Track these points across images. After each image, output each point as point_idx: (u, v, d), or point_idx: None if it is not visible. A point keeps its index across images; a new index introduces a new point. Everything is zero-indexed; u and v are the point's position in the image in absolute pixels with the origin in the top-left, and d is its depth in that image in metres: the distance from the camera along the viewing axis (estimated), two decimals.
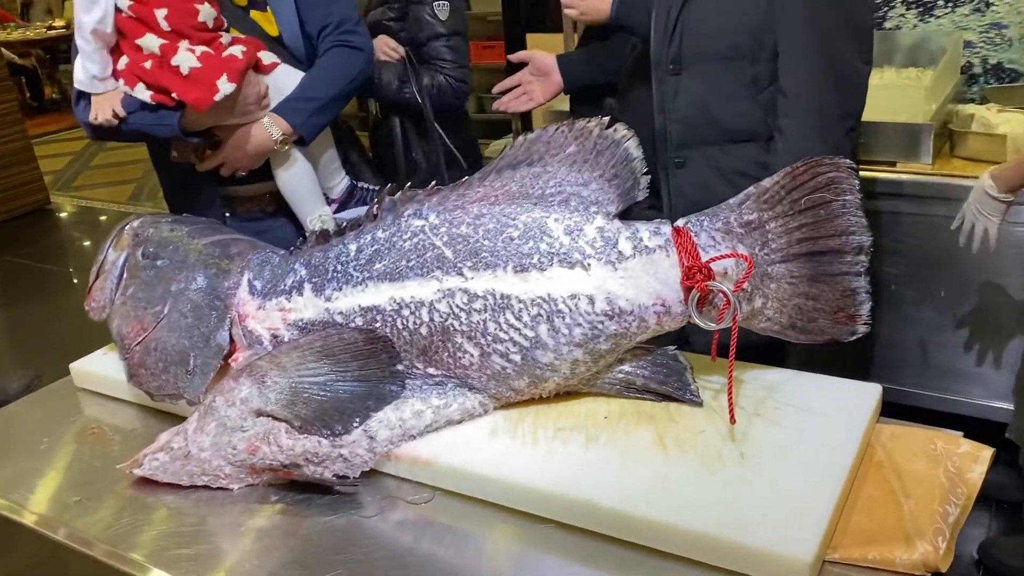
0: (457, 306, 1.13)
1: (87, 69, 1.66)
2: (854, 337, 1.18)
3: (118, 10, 1.64)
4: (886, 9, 2.70)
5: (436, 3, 2.20)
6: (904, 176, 2.25)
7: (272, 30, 1.79)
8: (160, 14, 1.63)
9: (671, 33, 1.58)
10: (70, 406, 1.37)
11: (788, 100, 1.53)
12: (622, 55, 1.86)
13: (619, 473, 1.02)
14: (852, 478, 1.02)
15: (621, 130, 1.15)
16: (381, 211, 1.21)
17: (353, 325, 1.18)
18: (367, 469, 1.11)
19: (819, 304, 1.16)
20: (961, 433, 1.11)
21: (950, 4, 2.61)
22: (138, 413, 1.33)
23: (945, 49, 2.46)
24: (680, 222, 1.16)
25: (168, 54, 1.62)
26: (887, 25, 2.71)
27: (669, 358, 1.19)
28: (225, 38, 1.69)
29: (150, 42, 1.64)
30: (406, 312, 1.15)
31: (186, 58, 1.61)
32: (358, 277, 1.19)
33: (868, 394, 1.16)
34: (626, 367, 1.18)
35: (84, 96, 1.70)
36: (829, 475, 1.00)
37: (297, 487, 1.11)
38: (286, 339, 1.22)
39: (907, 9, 2.68)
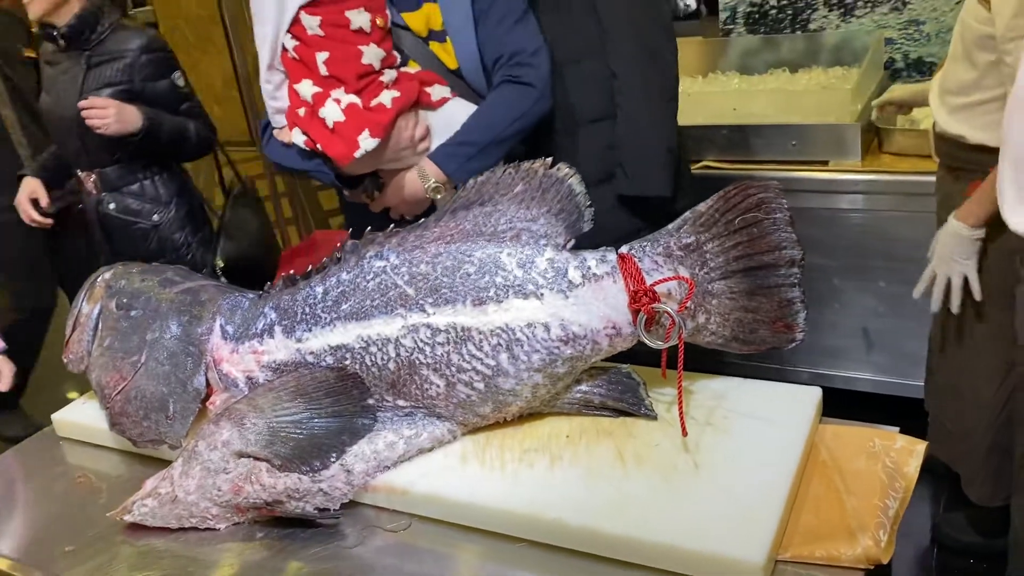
0: (421, 340, 1.20)
1: (268, 102, 1.69)
2: (793, 344, 1.27)
3: (285, 49, 1.62)
4: (809, 12, 2.83)
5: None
6: (836, 175, 2.38)
7: (451, 62, 1.69)
8: (320, 58, 1.60)
9: None
10: (54, 456, 1.42)
11: (620, 81, 1.83)
12: None
13: (583, 491, 1.10)
14: (799, 479, 1.11)
15: (564, 169, 1.23)
16: (344, 254, 1.28)
17: (324, 364, 1.24)
18: (346, 501, 1.18)
19: (759, 316, 1.25)
20: (897, 429, 1.21)
21: (869, 4, 2.74)
22: (122, 459, 1.38)
23: (868, 47, 2.59)
24: (624, 249, 1.24)
25: (317, 104, 1.60)
26: (812, 27, 2.84)
27: (623, 376, 1.27)
28: (388, 76, 1.64)
29: (305, 89, 1.62)
30: (373, 349, 1.22)
31: (332, 111, 1.59)
32: (326, 318, 1.25)
33: (809, 397, 1.25)
34: (584, 387, 1.26)
35: (269, 127, 1.71)
36: (777, 478, 1.08)
37: (281, 523, 1.18)
38: (261, 381, 1.28)
39: (829, 11, 2.80)
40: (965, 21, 1.78)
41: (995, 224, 1.76)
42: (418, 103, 1.65)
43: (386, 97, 1.61)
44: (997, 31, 1.66)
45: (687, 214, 1.24)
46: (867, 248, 2.40)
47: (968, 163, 1.85)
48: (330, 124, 1.59)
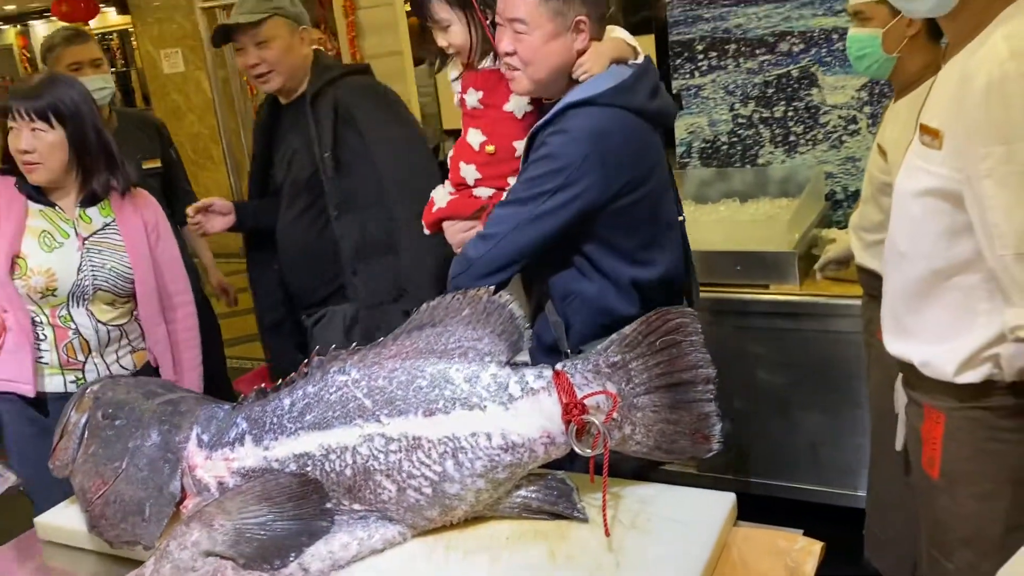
0: (376, 448, 1.34)
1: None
2: (710, 454, 1.42)
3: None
4: (757, 148, 3.09)
5: None
6: (777, 297, 2.57)
7: None
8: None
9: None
10: (35, 558, 1.53)
11: (400, 222, 2.35)
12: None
13: None
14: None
15: (505, 295, 1.40)
16: (311, 369, 1.43)
17: (288, 470, 1.38)
18: None
19: (679, 428, 1.40)
20: (801, 531, 1.34)
21: (811, 142, 3.00)
22: (99, 560, 1.49)
23: (808, 180, 2.83)
24: (559, 366, 1.40)
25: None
26: (760, 161, 3.09)
27: (558, 482, 1.41)
28: (478, 191, 1.89)
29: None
30: (333, 456, 1.36)
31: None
32: (291, 428, 1.39)
33: (724, 502, 1.39)
34: (523, 492, 1.40)
35: None
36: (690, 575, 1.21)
37: None
38: (231, 485, 1.41)
39: (775, 147, 3.06)
40: (870, 169, 2.00)
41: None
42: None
43: (440, 199, 1.94)
44: (893, 180, 1.87)
45: (614, 336, 1.41)
46: (805, 364, 2.57)
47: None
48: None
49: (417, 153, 2.44)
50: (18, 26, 12.00)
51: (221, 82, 5.68)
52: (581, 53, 1.71)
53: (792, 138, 3.02)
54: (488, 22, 1.80)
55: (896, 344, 1.54)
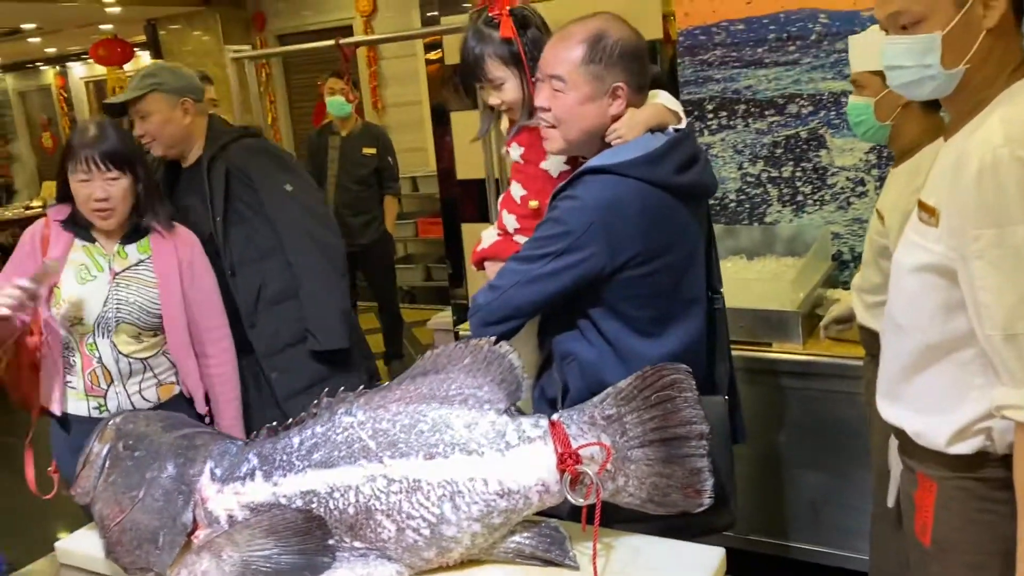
0: (378, 488, 1.41)
1: None
2: (701, 509, 1.46)
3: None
4: (765, 206, 3.16)
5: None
6: (779, 355, 2.62)
7: None
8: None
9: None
10: None
11: (298, 268, 2.54)
12: None
13: None
14: None
15: (505, 346, 1.48)
16: (320, 410, 1.51)
17: (294, 506, 1.44)
18: None
19: (671, 481, 1.45)
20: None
21: (818, 202, 3.07)
22: None
23: (815, 240, 2.89)
24: (555, 416, 1.46)
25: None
26: (768, 220, 3.16)
27: (552, 530, 1.47)
28: (518, 237, 1.97)
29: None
30: (337, 494, 1.42)
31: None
32: (300, 465, 1.46)
33: (713, 556, 1.44)
34: (517, 538, 1.45)
35: None
36: None
37: None
38: (240, 519, 1.48)
39: (783, 206, 3.13)
40: (869, 233, 2.06)
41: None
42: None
43: (487, 240, 2.02)
44: (890, 244, 1.93)
45: (609, 389, 1.47)
46: (807, 423, 2.61)
47: None
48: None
49: (311, 197, 2.63)
50: (57, 67, 12.36)
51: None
52: (616, 118, 1.73)
53: (800, 198, 3.10)
54: (533, 79, 1.84)
55: (890, 411, 1.56)
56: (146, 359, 2.30)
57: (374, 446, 1.44)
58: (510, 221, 1.98)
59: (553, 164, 1.91)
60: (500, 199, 2.05)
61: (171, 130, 2.52)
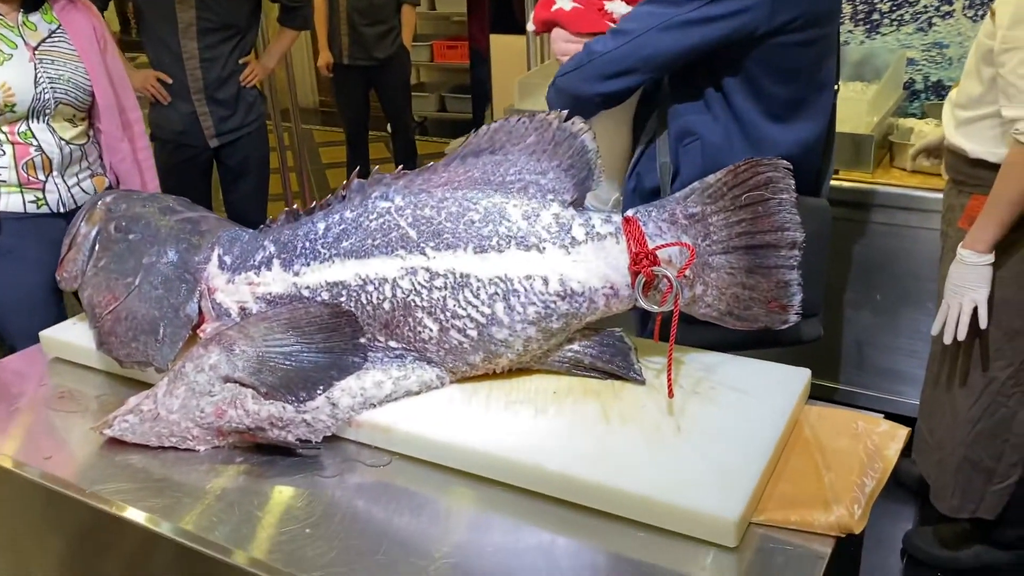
0: (419, 283, 1.20)
1: None
2: (785, 325, 1.27)
3: None
4: None
5: None
6: (846, 183, 2.38)
7: None
8: None
9: None
10: (39, 373, 1.42)
11: None
12: None
13: (565, 441, 1.10)
14: (779, 451, 1.11)
15: (578, 123, 1.23)
16: (350, 192, 1.28)
17: (319, 299, 1.24)
18: (329, 434, 1.17)
19: (755, 294, 1.25)
20: (883, 415, 1.21)
21: (895, 23, 2.75)
22: (106, 380, 1.37)
23: (889, 65, 2.60)
24: (630, 212, 1.24)
25: None
26: None
27: (615, 339, 1.27)
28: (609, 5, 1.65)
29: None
30: (370, 288, 1.22)
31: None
32: (325, 254, 1.25)
33: (798, 377, 1.25)
34: (575, 346, 1.26)
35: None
36: (757, 447, 1.08)
37: (261, 450, 1.17)
38: (254, 311, 1.28)
39: (855, 25, 2.81)
40: (979, 36, 1.80)
41: (1002, 248, 1.78)
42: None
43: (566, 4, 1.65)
44: (996, 43, 1.69)
45: (695, 184, 1.24)
46: (866, 258, 2.40)
47: (971, 177, 1.87)
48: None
49: None
50: None
51: None
52: None
53: (876, 16, 2.76)
54: None
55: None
56: (83, 145, 2.09)
57: (415, 235, 1.22)
58: None
59: None
60: None
61: None
